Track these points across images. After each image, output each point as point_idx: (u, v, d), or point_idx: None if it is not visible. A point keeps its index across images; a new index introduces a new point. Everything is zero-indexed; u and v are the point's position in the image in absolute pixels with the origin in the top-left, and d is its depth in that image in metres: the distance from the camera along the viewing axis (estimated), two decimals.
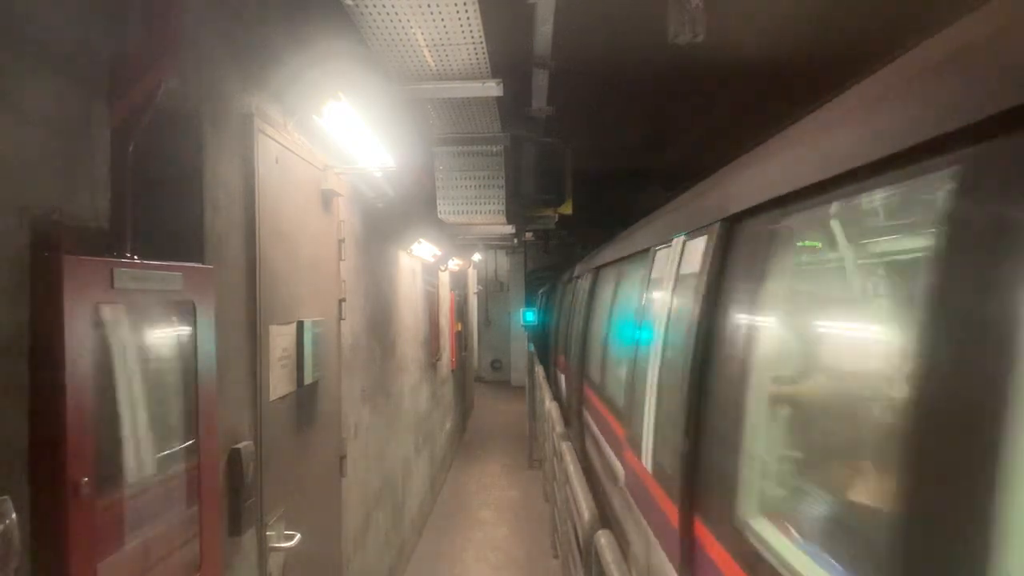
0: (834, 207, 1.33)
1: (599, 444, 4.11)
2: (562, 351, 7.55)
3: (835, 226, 1.36)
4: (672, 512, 2.00)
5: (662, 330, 2.37)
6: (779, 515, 1.47)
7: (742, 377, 1.62)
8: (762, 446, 1.56)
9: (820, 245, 1.47)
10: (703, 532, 1.79)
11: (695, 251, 2.11)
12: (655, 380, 2.38)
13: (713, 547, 1.70)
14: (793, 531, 1.39)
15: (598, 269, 5.25)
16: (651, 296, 2.73)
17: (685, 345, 1.99)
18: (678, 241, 2.38)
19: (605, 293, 4.80)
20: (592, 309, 5.33)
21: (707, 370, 1.86)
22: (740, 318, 1.72)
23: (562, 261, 12.60)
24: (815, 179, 1.33)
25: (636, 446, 2.62)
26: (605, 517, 2.74)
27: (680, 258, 2.31)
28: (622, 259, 4.05)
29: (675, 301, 2.27)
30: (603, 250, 5.42)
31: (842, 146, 1.27)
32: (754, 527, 1.51)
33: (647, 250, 3.00)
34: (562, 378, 7.32)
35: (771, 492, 1.55)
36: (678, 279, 2.29)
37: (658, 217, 3.18)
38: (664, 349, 2.32)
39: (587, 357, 5.22)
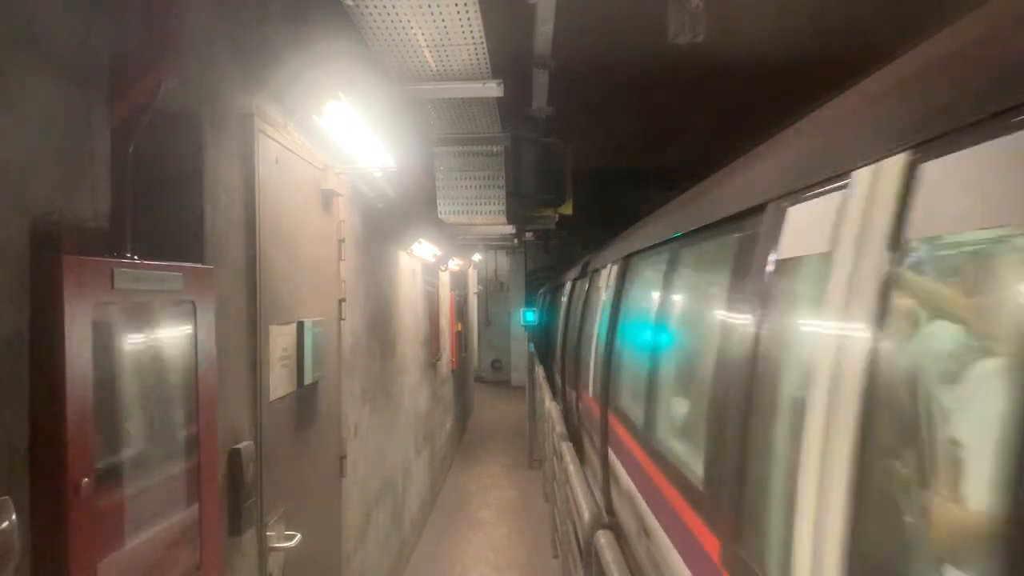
0: None
1: (645, 523, 2.70)
2: (571, 363, 5.78)
3: None
4: None
5: (845, 359, 1.13)
6: None
7: None
8: None
9: None
10: None
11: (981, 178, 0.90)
12: (833, 459, 1.12)
13: None
14: None
15: (629, 258, 3.77)
16: (776, 292, 1.53)
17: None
18: (876, 171, 1.13)
19: (644, 290, 3.44)
20: (620, 313, 3.83)
21: None
22: None
23: (562, 261, 12.60)
24: None
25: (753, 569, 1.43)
26: None
27: (904, 204, 1.03)
28: (683, 237, 2.64)
29: (889, 302, 1.05)
30: (639, 230, 3.82)
31: None
32: None
33: (757, 210, 1.71)
34: (571, 395, 5.79)
35: None
36: (902, 247, 1.04)
37: (787, 141, 1.79)
38: (863, 400, 1.06)
39: (614, 379, 3.76)
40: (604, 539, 2.32)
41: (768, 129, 2.02)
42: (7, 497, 1.03)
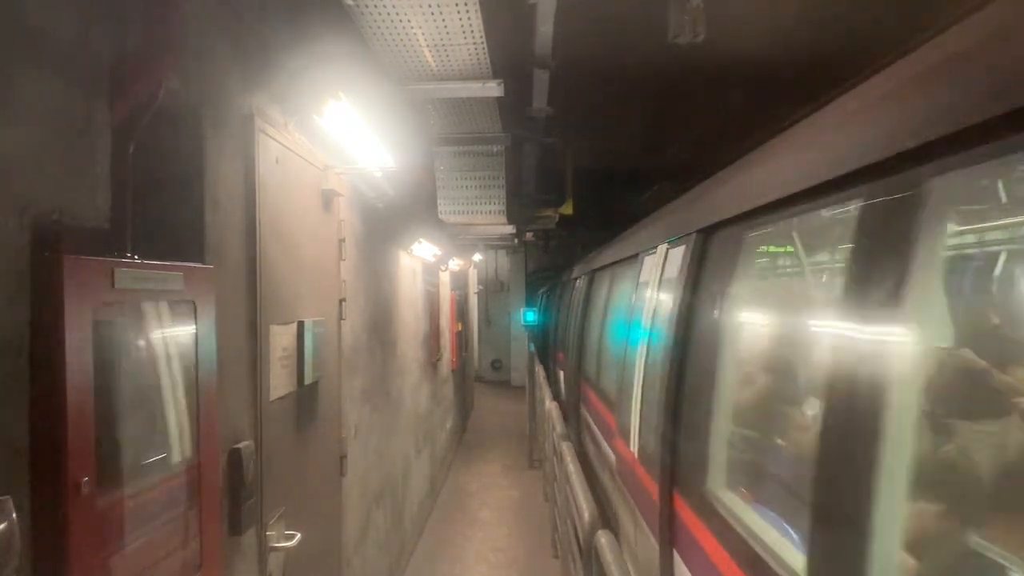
0: None
1: None
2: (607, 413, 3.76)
3: None
4: None
5: None
6: None
7: None
8: None
9: None
10: None
11: None
12: None
13: None
14: None
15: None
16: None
17: None
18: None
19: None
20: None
21: None
22: None
23: (562, 261, 12.60)
24: None
25: None
26: None
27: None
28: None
29: None
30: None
31: None
32: None
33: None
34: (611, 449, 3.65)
35: None
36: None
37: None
38: None
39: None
40: (604, 539, 2.32)
41: (768, 129, 2.03)
42: (7, 497, 1.03)
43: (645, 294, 2.89)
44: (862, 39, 4.11)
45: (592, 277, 5.34)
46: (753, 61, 4.63)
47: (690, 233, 2.31)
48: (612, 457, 3.23)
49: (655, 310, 2.61)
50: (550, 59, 3.45)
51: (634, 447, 2.70)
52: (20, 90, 1.17)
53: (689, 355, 2.16)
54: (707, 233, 2.20)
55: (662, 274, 2.62)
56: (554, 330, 8.93)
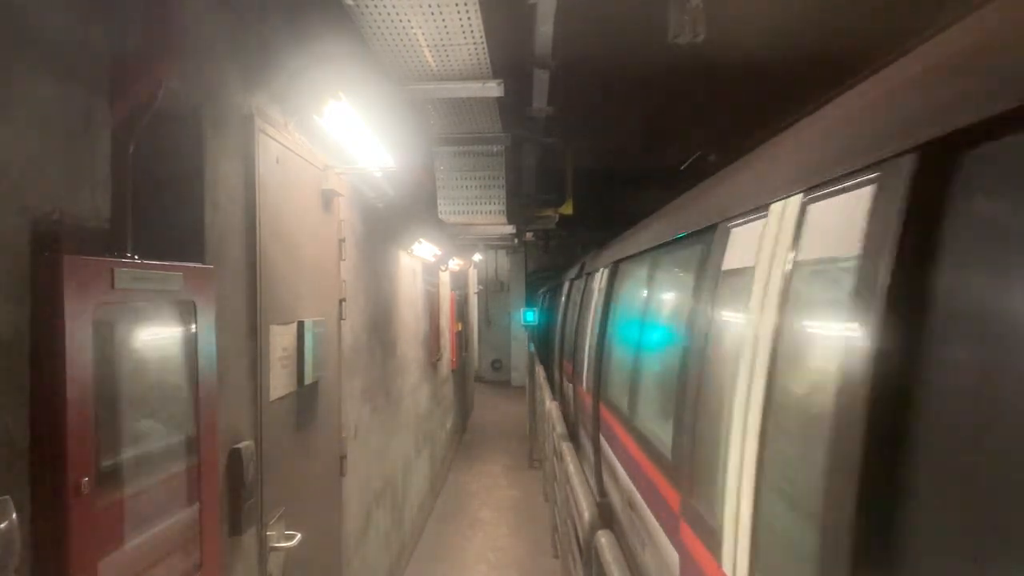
0: None
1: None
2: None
3: None
4: None
5: None
6: None
7: None
8: None
9: None
10: None
11: None
12: None
13: None
14: None
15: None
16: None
17: None
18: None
19: None
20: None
21: None
22: None
23: (563, 261, 12.59)
24: None
25: None
26: None
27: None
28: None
29: None
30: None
31: None
32: None
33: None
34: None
35: None
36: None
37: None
38: None
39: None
40: (604, 539, 2.32)
41: (767, 129, 2.03)
42: (7, 497, 1.03)
43: (735, 287, 1.75)
44: (862, 39, 4.12)
45: (616, 271, 3.99)
46: (753, 61, 4.63)
47: (893, 156, 1.06)
48: (675, 556, 2.07)
49: (776, 318, 1.44)
50: (550, 59, 3.45)
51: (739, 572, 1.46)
52: (20, 90, 1.17)
53: (912, 409, 0.98)
54: (953, 149, 0.93)
55: (794, 250, 1.42)
56: (559, 335, 7.31)
